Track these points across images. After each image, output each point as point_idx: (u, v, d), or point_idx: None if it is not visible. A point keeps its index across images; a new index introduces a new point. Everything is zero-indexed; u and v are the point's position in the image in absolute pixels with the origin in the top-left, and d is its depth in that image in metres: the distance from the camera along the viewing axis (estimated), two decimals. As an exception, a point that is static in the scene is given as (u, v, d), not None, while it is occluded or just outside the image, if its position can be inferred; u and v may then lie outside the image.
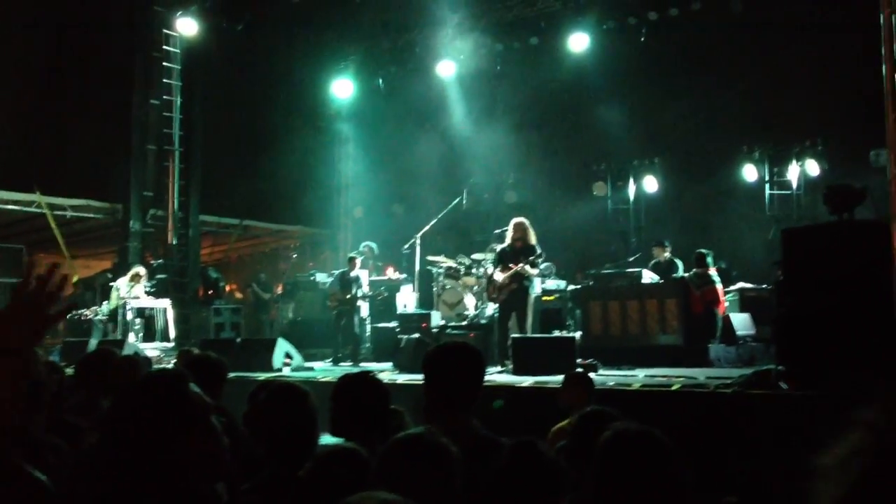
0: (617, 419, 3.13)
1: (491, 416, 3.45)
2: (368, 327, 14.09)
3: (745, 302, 13.03)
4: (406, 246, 14.85)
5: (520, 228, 11.01)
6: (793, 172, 15.94)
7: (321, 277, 16.77)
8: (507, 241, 11.12)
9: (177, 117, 16.79)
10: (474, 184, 18.14)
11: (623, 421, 2.98)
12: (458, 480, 2.40)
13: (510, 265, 10.81)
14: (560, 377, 9.16)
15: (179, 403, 2.09)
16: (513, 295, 10.84)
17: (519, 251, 10.87)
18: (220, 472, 2.19)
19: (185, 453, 2.04)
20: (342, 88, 19.31)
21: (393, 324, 13.52)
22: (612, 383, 8.54)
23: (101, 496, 2.04)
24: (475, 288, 13.72)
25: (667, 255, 13.47)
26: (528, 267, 10.68)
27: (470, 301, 13.71)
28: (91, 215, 17.85)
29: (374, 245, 15.67)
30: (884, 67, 8.88)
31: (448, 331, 12.58)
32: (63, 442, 3.35)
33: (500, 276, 11.00)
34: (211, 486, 2.16)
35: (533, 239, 11.01)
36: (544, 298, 13.49)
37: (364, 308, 13.74)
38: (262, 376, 9.81)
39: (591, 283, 13.14)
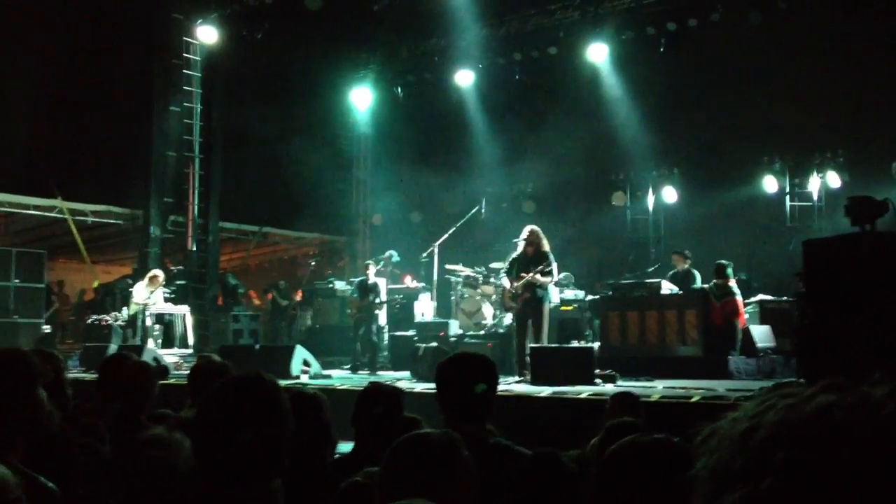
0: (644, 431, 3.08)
1: (508, 427, 3.40)
2: (386, 335, 14.09)
3: (766, 314, 12.91)
4: (424, 254, 14.84)
5: (532, 236, 10.84)
6: (814, 184, 15.84)
7: (340, 285, 16.79)
8: (520, 248, 10.88)
9: (197, 124, 16.89)
10: (492, 193, 18.15)
11: (643, 433, 2.93)
12: (471, 483, 2.33)
13: (522, 273, 10.68)
14: (579, 388, 9.25)
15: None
16: (527, 304, 10.65)
17: (531, 259, 10.69)
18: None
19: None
20: (361, 97, 19.39)
21: (411, 332, 13.52)
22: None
23: None
24: (493, 297, 13.66)
25: (685, 265, 13.35)
26: (538, 276, 10.52)
27: (488, 310, 13.67)
28: (112, 221, 17.97)
29: (395, 253, 15.67)
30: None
31: (466, 340, 12.57)
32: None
33: (510, 285, 10.87)
34: None
35: (546, 247, 10.76)
36: (562, 308, 13.44)
37: (382, 316, 13.74)
38: (281, 384, 9.80)
39: (609, 293, 13.06)
